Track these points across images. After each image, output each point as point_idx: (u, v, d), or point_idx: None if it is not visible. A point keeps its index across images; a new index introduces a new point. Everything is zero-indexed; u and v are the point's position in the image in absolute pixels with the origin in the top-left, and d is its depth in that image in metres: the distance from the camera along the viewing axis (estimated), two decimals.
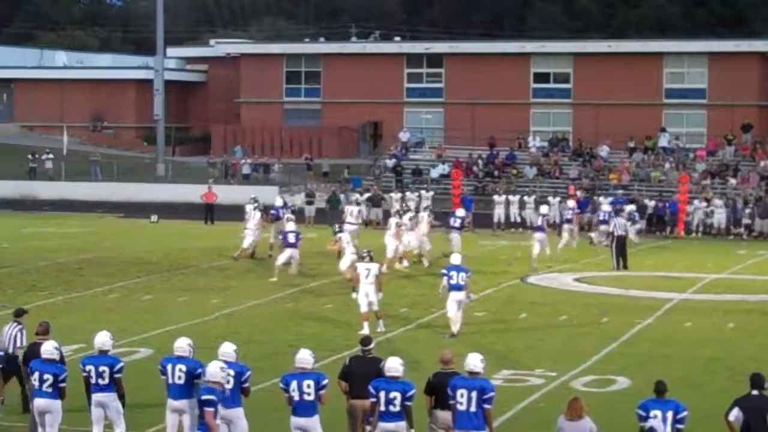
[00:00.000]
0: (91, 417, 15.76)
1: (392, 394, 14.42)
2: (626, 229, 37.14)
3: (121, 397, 15.83)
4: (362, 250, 26.91)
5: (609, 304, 29.56)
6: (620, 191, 55.00)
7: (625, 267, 36.06)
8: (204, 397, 14.10)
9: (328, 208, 51.96)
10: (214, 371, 14.33)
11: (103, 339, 15.88)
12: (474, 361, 14.49)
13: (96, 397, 15.62)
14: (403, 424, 14.47)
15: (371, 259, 25.14)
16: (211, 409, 13.97)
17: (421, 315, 27.19)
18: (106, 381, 15.54)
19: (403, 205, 43.87)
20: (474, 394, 14.20)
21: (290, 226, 33.52)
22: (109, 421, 15.71)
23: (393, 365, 14.62)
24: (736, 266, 37.95)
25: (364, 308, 24.84)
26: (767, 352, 23.29)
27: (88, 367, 15.63)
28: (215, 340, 20.34)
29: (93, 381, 15.59)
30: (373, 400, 14.56)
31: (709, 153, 61.22)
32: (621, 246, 36.21)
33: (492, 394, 14.29)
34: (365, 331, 23.81)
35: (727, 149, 61.13)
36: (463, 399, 14.23)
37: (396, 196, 51.18)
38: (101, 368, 15.55)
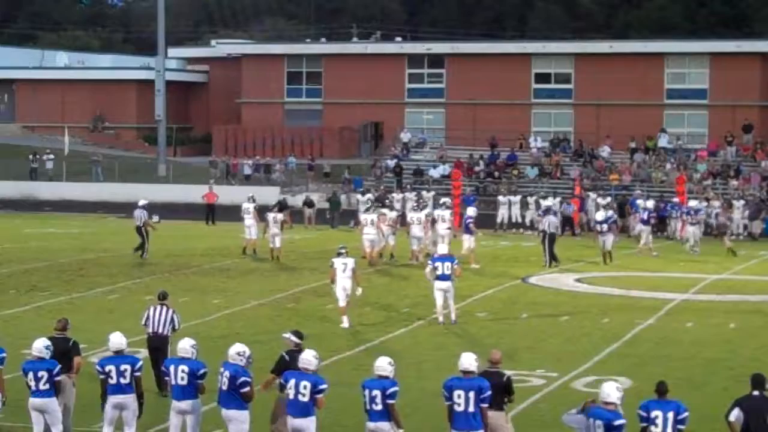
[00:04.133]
0: (104, 417, 15.67)
1: (374, 392, 14.42)
2: (556, 227, 37.91)
3: (140, 396, 15.70)
4: (340, 245, 27.15)
5: (610, 304, 29.55)
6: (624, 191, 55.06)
7: (555, 260, 36.75)
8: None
9: (329, 208, 52.00)
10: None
11: (119, 339, 15.83)
12: (469, 361, 14.53)
13: (115, 398, 15.48)
14: (384, 424, 14.43)
15: (347, 254, 25.89)
16: None
17: (423, 315, 27.18)
18: (128, 380, 15.47)
19: (421, 202, 44.26)
20: (471, 394, 14.21)
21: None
22: (120, 422, 15.61)
23: (381, 364, 14.65)
24: (737, 267, 37.95)
25: (342, 302, 25.66)
26: None
27: (107, 368, 15.49)
28: (216, 341, 20.41)
29: (113, 381, 15.47)
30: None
31: (710, 153, 61.20)
32: (551, 243, 36.82)
33: (489, 393, 14.32)
34: (345, 325, 25.27)
35: (728, 150, 61.12)
36: (460, 399, 14.25)
37: (398, 196, 51.28)
38: (123, 367, 15.47)
